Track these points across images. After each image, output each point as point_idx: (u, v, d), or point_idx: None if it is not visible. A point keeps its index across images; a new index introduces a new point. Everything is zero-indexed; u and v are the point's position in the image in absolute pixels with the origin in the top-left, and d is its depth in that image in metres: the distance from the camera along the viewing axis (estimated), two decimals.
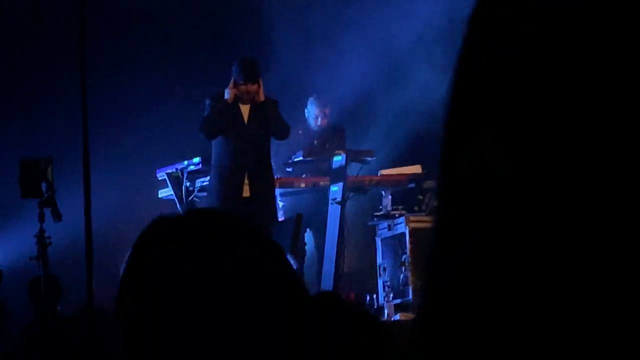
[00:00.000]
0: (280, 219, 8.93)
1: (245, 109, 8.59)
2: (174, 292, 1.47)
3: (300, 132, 9.66)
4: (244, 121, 8.55)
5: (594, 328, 0.71)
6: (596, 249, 0.71)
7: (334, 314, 2.52)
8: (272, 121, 8.50)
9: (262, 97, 8.57)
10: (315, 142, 9.64)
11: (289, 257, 5.97)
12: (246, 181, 8.46)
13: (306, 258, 9.42)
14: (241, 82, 8.54)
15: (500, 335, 0.73)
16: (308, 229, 9.48)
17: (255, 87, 8.58)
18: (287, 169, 9.57)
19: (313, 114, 9.73)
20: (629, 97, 0.71)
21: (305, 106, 9.80)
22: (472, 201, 0.75)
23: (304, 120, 9.78)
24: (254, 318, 1.46)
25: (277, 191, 9.22)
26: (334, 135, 9.68)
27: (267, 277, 1.51)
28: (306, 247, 9.48)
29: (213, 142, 8.63)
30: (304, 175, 9.48)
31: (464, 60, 0.79)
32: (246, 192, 8.45)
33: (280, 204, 9.57)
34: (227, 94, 8.52)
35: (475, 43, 0.78)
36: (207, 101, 8.66)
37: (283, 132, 8.64)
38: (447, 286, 0.76)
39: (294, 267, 6.96)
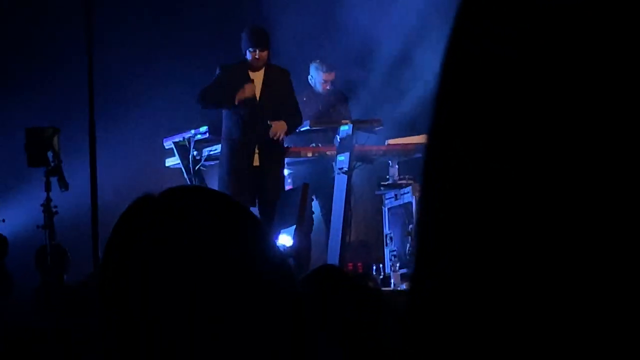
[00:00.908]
0: (287, 188, 8.94)
1: (257, 83, 8.60)
2: (156, 266, 1.45)
3: (305, 99, 9.63)
4: (255, 97, 8.56)
5: (591, 329, 0.70)
6: (593, 248, 0.70)
7: (334, 289, 2.52)
8: (289, 124, 8.57)
9: (264, 62, 8.57)
10: (320, 107, 9.62)
11: (291, 230, 5.97)
12: (256, 151, 8.49)
13: (313, 227, 9.43)
14: (250, 49, 8.55)
15: (494, 337, 0.72)
16: (314, 198, 9.48)
17: (265, 53, 8.59)
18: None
19: (319, 79, 9.70)
20: (625, 95, 0.70)
21: (309, 72, 9.77)
22: (463, 199, 0.74)
23: (308, 86, 9.75)
24: (242, 297, 1.44)
25: (286, 160, 9.24)
26: (337, 102, 9.67)
27: (253, 256, 1.49)
28: (313, 215, 9.48)
29: (223, 113, 8.63)
30: (312, 145, 9.47)
31: (453, 56, 0.78)
32: (256, 162, 8.49)
33: (286, 172, 9.57)
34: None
35: (465, 39, 0.77)
36: (217, 70, 8.67)
37: (296, 126, 8.76)
38: (438, 286, 0.75)
39: (280, 247, 6.95)
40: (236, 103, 8.45)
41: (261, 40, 8.60)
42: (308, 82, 9.75)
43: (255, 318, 1.44)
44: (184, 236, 1.46)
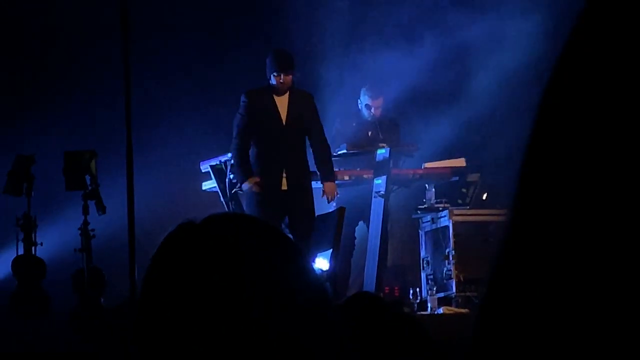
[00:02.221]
0: (330, 210, 8.91)
1: (282, 107, 8.58)
2: (198, 293, 1.45)
3: (354, 124, 9.62)
4: (282, 121, 8.55)
5: (594, 329, 0.69)
6: (596, 249, 0.70)
7: (369, 317, 2.51)
8: (317, 151, 8.66)
9: (288, 86, 8.58)
10: (370, 133, 9.60)
11: (327, 253, 5.95)
12: (284, 175, 8.46)
13: (356, 251, 9.41)
14: (275, 73, 8.53)
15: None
16: (361, 222, 9.45)
17: (289, 78, 8.56)
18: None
19: (366, 104, 9.66)
20: None
21: (359, 97, 9.75)
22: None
23: (357, 111, 9.74)
24: (281, 323, 1.44)
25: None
26: (388, 127, 9.62)
27: (292, 281, 1.49)
28: (356, 241, 9.45)
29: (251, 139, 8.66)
30: (357, 169, 9.44)
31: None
32: (284, 186, 8.46)
33: None
34: (245, 187, 8.54)
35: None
36: (243, 98, 8.64)
37: (331, 156, 8.85)
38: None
39: (317, 271, 6.93)
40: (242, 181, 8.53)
41: (285, 64, 8.58)
42: (357, 106, 9.74)
43: (294, 344, 1.43)
44: (226, 263, 1.46)
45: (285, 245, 1.53)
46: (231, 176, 9.13)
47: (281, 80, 8.53)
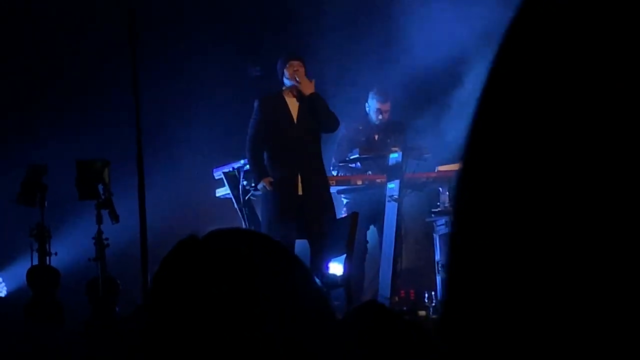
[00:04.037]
0: (342, 216, 8.90)
1: (294, 108, 8.56)
2: (199, 308, 1.46)
3: (360, 127, 9.63)
4: (293, 121, 8.52)
5: (590, 329, 0.70)
6: (594, 249, 0.71)
7: (377, 325, 2.51)
8: (322, 115, 8.45)
9: (304, 79, 8.51)
10: (376, 136, 9.61)
11: (341, 258, 5.94)
12: (299, 179, 8.43)
13: (369, 255, 9.42)
14: (287, 64, 8.50)
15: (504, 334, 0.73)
16: (372, 226, 9.45)
17: (303, 69, 8.50)
18: (351, 165, 9.55)
19: (374, 108, 9.68)
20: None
21: (366, 100, 9.77)
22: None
23: (364, 115, 9.75)
24: (281, 337, 1.44)
25: (336, 189, 9.23)
26: (395, 130, 9.63)
27: (293, 295, 1.49)
28: (368, 244, 9.46)
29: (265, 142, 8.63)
30: (368, 173, 9.45)
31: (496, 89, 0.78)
32: (299, 190, 8.42)
33: (344, 200, 9.56)
34: (261, 186, 8.50)
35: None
36: (256, 103, 8.62)
37: (332, 126, 8.57)
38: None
39: (330, 277, 6.92)
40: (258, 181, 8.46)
41: (296, 53, 8.62)
42: (365, 110, 9.75)
43: (300, 355, 1.44)
44: (226, 279, 1.47)
45: (286, 257, 1.54)
46: (244, 183, 9.12)
47: (295, 69, 8.50)
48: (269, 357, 1.43)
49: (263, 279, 1.48)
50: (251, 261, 1.50)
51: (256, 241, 1.56)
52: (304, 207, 8.36)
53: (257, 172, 8.53)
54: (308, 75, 8.53)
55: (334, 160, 9.57)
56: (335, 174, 9.50)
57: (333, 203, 8.59)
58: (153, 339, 1.50)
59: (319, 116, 8.43)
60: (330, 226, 8.37)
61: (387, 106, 9.65)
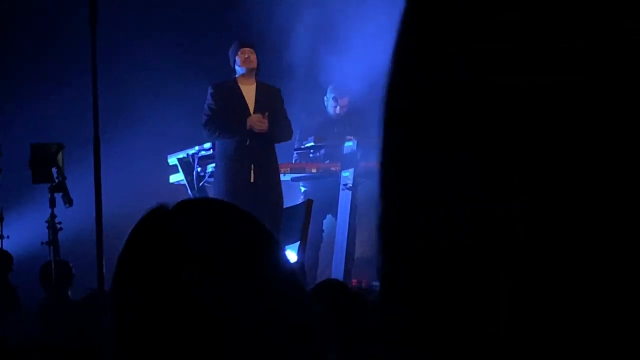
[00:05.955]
0: (298, 203, 8.90)
1: (250, 96, 8.54)
2: (170, 277, 1.46)
3: (321, 120, 9.68)
4: (249, 111, 8.51)
5: (587, 328, 0.69)
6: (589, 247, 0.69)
7: (336, 302, 2.54)
8: (278, 131, 8.45)
9: (254, 64, 8.49)
10: (335, 129, 9.64)
11: (295, 246, 5.95)
12: (252, 167, 8.41)
13: (325, 244, 9.43)
14: (239, 51, 8.48)
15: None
16: (329, 215, 9.47)
17: (254, 56, 8.49)
18: (310, 154, 9.55)
19: (332, 102, 9.73)
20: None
21: (325, 94, 9.82)
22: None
23: (323, 108, 9.81)
24: (255, 307, 1.44)
25: (290, 176, 9.25)
26: (356, 123, 9.64)
27: (264, 267, 1.50)
28: (324, 233, 9.47)
29: None
30: (326, 162, 9.46)
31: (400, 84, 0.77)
32: (252, 178, 8.41)
33: (302, 189, 9.57)
34: (252, 122, 8.39)
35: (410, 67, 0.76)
36: (209, 89, 8.59)
37: (286, 139, 8.64)
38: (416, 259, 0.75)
39: (291, 258, 6.90)
40: (242, 135, 8.37)
41: (247, 40, 8.60)
42: (323, 104, 9.80)
43: (267, 326, 1.44)
44: (197, 247, 1.46)
45: (256, 226, 1.54)
46: (198, 169, 9.10)
47: (246, 56, 8.48)
48: (242, 328, 1.43)
49: (233, 248, 1.48)
50: (221, 230, 1.50)
51: (226, 210, 1.56)
52: (256, 195, 8.36)
53: (234, 129, 8.43)
54: (259, 62, 8.54)
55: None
56: (293, 162, 9.52)
57: (282, 194, 8.59)
58: (124, 312, 1.49)
59: (276, 131, 8.44)
60: (282, 214, 8.38)
61: (345, 101, 9.70)
